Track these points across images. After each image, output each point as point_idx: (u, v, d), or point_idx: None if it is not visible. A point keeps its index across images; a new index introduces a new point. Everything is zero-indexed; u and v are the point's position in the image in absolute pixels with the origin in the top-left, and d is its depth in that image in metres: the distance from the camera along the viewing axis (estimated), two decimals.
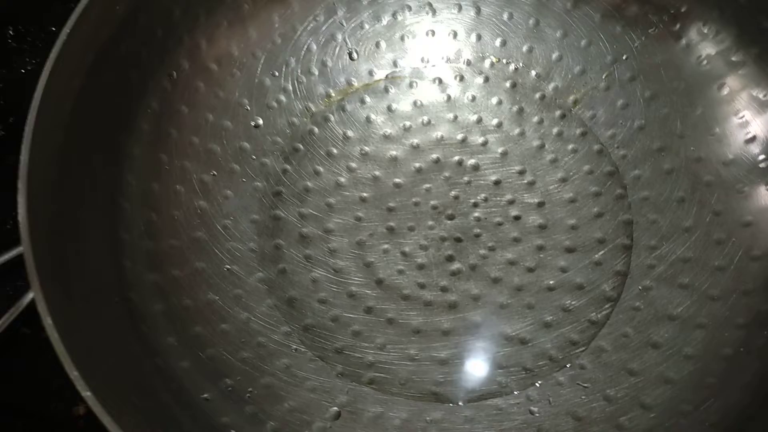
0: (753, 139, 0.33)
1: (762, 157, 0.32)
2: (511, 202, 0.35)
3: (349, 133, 0.37)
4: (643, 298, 0.32)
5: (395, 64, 0.38)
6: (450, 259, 0.34)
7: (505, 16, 0.38)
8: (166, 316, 0.29)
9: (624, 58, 0.36)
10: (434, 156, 0.36)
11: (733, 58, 0.33)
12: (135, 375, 0.26)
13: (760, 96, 0.32)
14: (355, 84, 0.38)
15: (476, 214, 0.34)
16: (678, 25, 0.35)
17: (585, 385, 0.30)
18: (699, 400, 0.28)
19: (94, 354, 0.24)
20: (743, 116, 0.33)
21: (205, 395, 0.28)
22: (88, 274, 0.27)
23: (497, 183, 0.35)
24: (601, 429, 0.28)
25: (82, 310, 0.25)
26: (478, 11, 0.38)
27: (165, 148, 0.33)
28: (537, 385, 0.30)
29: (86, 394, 0.21)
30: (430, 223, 0.34)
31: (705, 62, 0.34)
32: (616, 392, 0.29)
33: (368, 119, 0.37)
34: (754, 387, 0.27)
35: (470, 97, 0.37)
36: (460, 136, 0.36)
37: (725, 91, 0.34)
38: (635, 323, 0.31)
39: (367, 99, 0.37)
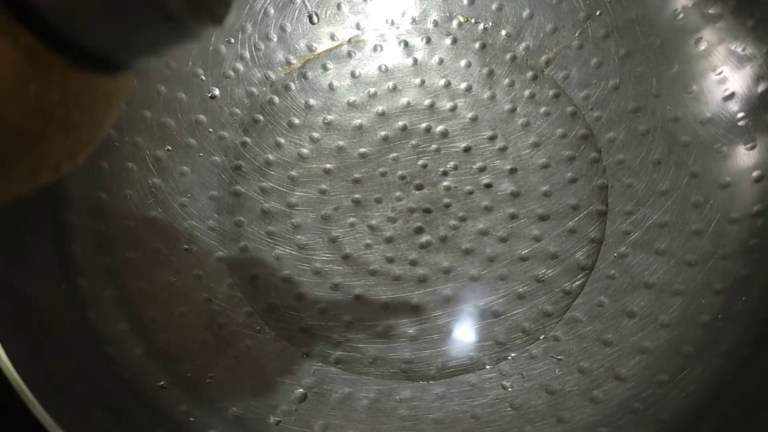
0: (731, 96, 0.31)
1: (741, 114, 0.31)
2: (482, 170, 0.33)
3: (312, 101, 0.35)
4: (618, 266, 0.30)
5: (358, 26, 0.36)
6: (419, 231, 0.32)
7: None
8: (118, 302, 0.28)
9: (597, 13, 0.34)
10: (401, 123, 0.34)
11: (710, 11, 0.32)
12: (82, 367, 0.25)
13: (739, 50, 0.31)
14: (317, 49, 0.36)
15: (446, 183, 0.33)
16: None
17: (559, 357, 0.29)
18: (675, 370, 0.27)
19: (34, 346, 0.22)
20: (721, 72, 0.31)
21: (162, 383, 0.27)
22: (29, 259, 0.25)
23: (467, 150, 0.34)
24: (576, 403, 0.28)
25: (22, 299, 0.24)
26: None
27: (114, 123, 0.31)
28: (510, 358, 0.29)
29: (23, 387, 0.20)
30: (398, 194, 0.33)
31: (681, 16, 0.33)
32: (591, 364, 0.28)
33: (331, 86, 0.35)
34: (731, 354, 0.27)
35: (438, 60, 0.35)
36: (427, 102, 0.35)
37: (702, 46, 0.32)
38: (610, 292, 0.30)
39: (330, 65, 0.35)
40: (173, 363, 0.28)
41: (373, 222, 0.32)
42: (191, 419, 0.27)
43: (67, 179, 0.29)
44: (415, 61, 0.35)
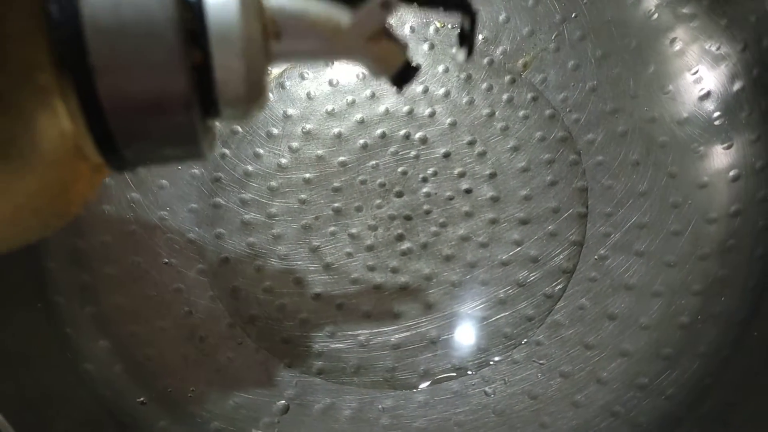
0: (707, 95, 0.31)
1: (717, 114, 0.31)
2: (461, 175, 0.33)
3: (290, 111, 0.35)
4: (599, 268, 0.30)
5: None
6: (400, 238, 0.32)
7: None
8: (96, 318, 0.28)
9: (573, 16, 0.34)
10: (380, 131, 0.34)
11: (684, 11, 0.32)
12: (59, 385, 0.24)
13: (713, 49, 0.31)
14: None
15: (426, 190, 0.33)
16: None
17: (541, 362, 0.29)
18: (655, 372, 0.27)
19: (10, 367, 0.22)
20: (697, 71, 0.31)
21: (141, 399, 0.27)
22: (1, 277, 0.25)
23: (447, 155, 0.34)
24: (558, 407, 0.28)
25: None
26: None
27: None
28: (492, 364, 0.29)
29: None
30: (378, 201, 0.33)
31: (655, 16, 0.33)
32: (573, 368, 0.28)
33: (309, 95, 0.35)
34: (710, 355, 0.26)
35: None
36: (406, 109, 0.35)
37: (677, 45, 0.32)
38: (591, 295, 0.30)
39: (308, 73, 0.35)
40: (154, 378, 0.28)
41: (354, 230, 0.32)
42: None
43: None
44: None
